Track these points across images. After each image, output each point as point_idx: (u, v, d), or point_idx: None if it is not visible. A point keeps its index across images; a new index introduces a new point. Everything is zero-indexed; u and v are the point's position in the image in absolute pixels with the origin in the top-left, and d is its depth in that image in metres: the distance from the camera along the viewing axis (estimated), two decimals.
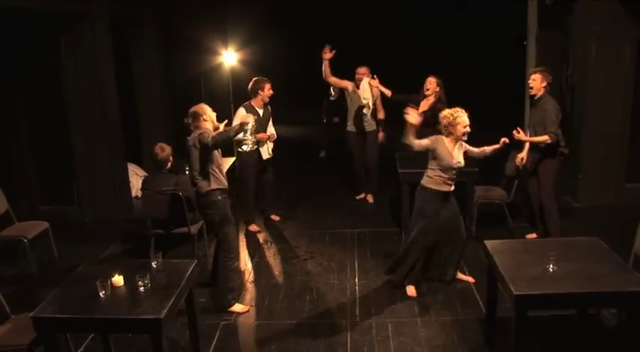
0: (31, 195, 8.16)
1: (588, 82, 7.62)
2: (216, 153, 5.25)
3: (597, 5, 7.43)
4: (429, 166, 5.38)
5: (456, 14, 11.45)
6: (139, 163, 9.31)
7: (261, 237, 7.31)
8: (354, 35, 11.60)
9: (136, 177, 8.73)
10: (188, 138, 5.31)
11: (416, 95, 7.47)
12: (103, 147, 7.93)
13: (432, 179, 5.35)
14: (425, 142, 5.30)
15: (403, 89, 7.62)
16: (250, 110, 6.95)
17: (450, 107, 7.02)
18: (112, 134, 7.97)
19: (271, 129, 7.34)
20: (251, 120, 5.43)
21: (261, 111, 7.08)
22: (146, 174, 8.50)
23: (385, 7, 11.60)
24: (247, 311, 5.46)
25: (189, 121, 5.30)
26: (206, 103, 5.40)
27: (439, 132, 5.46)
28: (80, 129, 7.85)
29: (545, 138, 6.04)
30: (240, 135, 5.71)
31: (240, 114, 6.92)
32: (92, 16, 7.51)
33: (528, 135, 6.34)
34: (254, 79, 7.12)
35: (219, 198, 5.25)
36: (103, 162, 7.98)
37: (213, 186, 5.21)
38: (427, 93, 7.33)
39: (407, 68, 8.82)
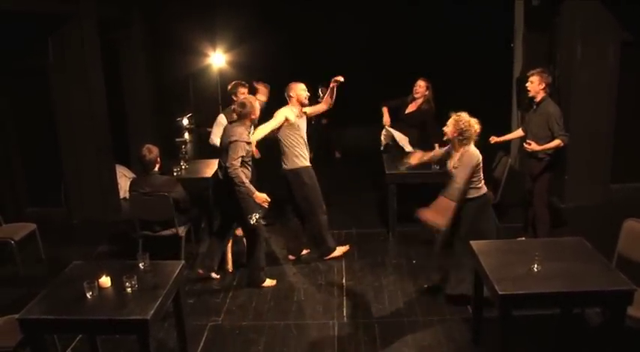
0: (18, 196, 8.13)
1: (574, 83, 7.69)
2: (248, 146, 5.61)
3: (582, 7, 7.50)
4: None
5: (444, 16, 11.49)
6: (128, 165, 9.29)
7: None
8: (342, 37, 11.62)
9: (124, 179, 8.71)
10: (227, 125, 5.80)
11: (405, 98, 7.53)
12: (91, 148, 7.91)
13: None
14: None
15: (392, 90, 7.65)
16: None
17: (437, 109, 7.18)
18: (99, 135, 7.96)
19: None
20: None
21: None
22: (134, 175, 8.48)
23: (373, 9, 11.62)
24: (275, 285, 5.95)
25: (239, 110, 5.67)
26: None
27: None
28: (68, 130, 7.82)
29: (557, 142, 6.01)
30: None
31: (219, 121, 6.89)
32: (80, 16, 7.49)
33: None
34: (232, 83, 7.08)
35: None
36: (90, 164, 7.96)
37: (245, 177, 5.56)
38: (416, 96, 7.40)
39: (395, 69, 8.83)
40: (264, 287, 5.93)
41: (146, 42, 9.48)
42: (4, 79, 7.77)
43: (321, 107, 6.51)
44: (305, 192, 6.33)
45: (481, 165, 5.11)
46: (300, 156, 6.26)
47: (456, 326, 5.06)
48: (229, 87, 7.05)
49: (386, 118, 7.48)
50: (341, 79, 6.12)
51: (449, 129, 5.12)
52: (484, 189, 5.23)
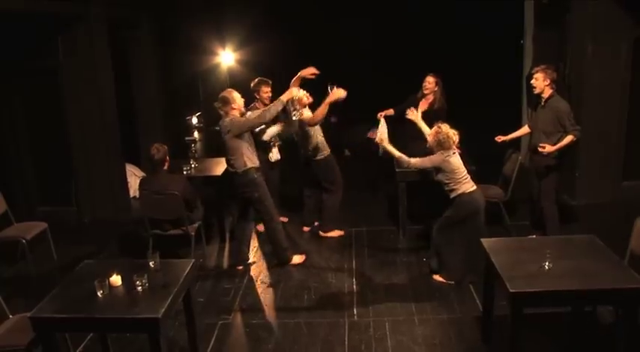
0: (29, 195, 8.17)
1: (585, 81, 7.63)
2: (247, 135, 5.78)
3: (593, 4, 7.44)
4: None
5: (453, 14, 11.46)
6: (138, 164, 9.32)
7: (259, 236, 7.30)
8: (352, 34, 11.62)
9: (134, 178, 8.74)
10: (220, 123, 5.85)
11: (413, 95, 7.46)
12: (101, 147, 7.93)
13: None
14: None
15: (402, 89, 7.61)
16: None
17: (449, 106, 7.15)
18: (109, 134, 7.98)
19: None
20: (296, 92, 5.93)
21: None
22: (144, 174, 8.51)
23: (382, 7, 11.60)
24: (305, 260, 6.38)
25: (219, 105, 5.80)
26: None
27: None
28: (78, 129, 7.85)
29: (570, 138, 5.97)
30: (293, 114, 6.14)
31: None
32: (89, 16, 7.50)
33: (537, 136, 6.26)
34: (255, 80, 7.01)
35: (255, 176, 5.77)
36: (100, 163, 7.98)
37: (249, 164, 5.75)
38: (426, 92, 7.31)
39: (405, 67, 8.81)
40: (293, 264, 6.29)
41: (155, 41, 9.50)
42: (15, 78, 7.81)
43: (319, 113, 6.47)
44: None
45: (453, 171, 5.48)
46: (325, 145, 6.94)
47: (466, 324, 5.05)
48: (252, 84, 6.95)
49: (380, 114, 7.24)
50: (341, 93, 6.33)
51: (430, 137, 5.63)
52: (459, 191, 5.51)
